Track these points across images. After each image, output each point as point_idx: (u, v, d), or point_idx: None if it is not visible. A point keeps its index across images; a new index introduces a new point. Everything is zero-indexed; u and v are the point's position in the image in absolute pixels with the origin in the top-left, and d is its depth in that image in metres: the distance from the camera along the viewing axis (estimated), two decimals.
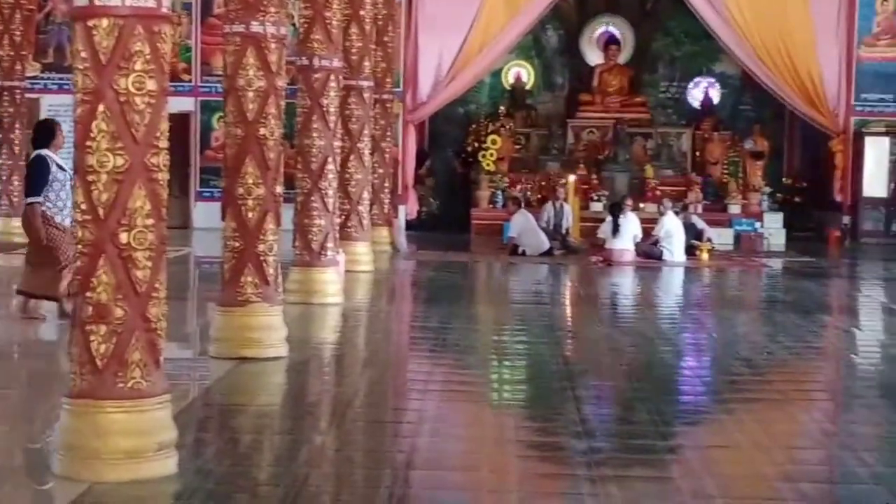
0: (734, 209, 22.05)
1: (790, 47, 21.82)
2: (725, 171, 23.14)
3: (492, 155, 22.73)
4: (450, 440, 6.90)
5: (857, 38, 22.34)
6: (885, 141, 22.36)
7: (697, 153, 23.77)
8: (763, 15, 21.71)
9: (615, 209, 18.24)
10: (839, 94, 22.19)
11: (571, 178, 21.25)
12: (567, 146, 23.77)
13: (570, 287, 15.90)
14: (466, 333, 11.06)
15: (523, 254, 18.26)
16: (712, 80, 25.05)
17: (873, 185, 22.40)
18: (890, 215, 22.39)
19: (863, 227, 22.36)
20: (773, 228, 21.51)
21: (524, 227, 18.59)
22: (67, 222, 9.84)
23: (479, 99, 25.14)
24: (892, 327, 12.42)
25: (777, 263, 18.67)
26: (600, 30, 25.05)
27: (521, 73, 25.11)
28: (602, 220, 18.72)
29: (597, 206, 21.53)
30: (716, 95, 24.94)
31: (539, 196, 21.93)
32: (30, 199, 10.37)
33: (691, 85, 25.16)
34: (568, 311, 13.74)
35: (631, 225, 17.94)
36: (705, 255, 18.19)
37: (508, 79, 25.08)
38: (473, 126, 24.00)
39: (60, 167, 10.23)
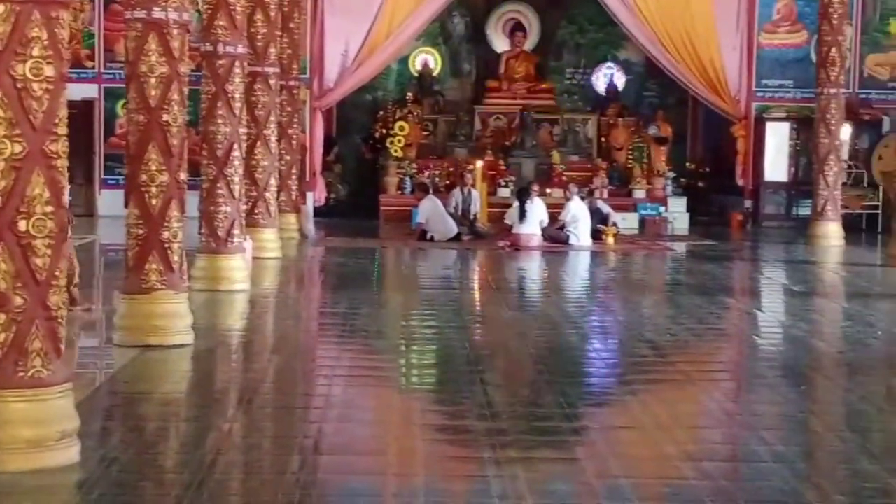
0: (639, 194, 22.29)
1: (692, 34, 22.11)
2: (630, 157, 23.40)
3: (399, 141, 22.74)
4: (357, 425, 6.91)
5: (758, 25, 22.71)
6: (786, 126, 22.76)
7: (603, 139, 24.00)
8: (666, 2, 21.96)
9: (522, 194, 18.36)
10: (740, 81, 22.52)
11: (479, 163, 21.35)
12: (474, 132, 23.86)
13: (478, 272, 15.99)
14: (375, 319, 11.07)
15: (431, 239, 18.31)
16: (617, 66, 25.29)
17: (774, 169, 22.79)
18: (790, 199, 22.80)
19: (764, 210, 22.75)
20: (677, 212, 21.79)
21: (432, 212, 18.64)
22: None
23: (386, 85, 25.13)
24: (793, 309, 12.64)
25: (681, 247, 18.92)
26: (506, 17, 25.18)
27: (429, 59, 25.14)
28: (509, 206, 18.84)
29: (504, 192, 21.67)
30: (620, 82, 25.18)
31: (447, 182, 21.99)
32: None
33: (596, 72, 25.38)
34: (476, 295, 13.80)
35: (538, 210, 18.07)
36: (611, 240, 18.39)
37: (416, 65, 25.10)
38: (381, 112, 24.00)
39: None
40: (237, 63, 12.34)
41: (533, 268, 16.01)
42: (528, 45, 24.85)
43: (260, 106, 15.16)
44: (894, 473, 5.98)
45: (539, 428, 6.81)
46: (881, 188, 21.56)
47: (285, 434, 6.72)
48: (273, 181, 15.68)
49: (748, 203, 22.73)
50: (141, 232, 9.02)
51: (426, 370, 9.09)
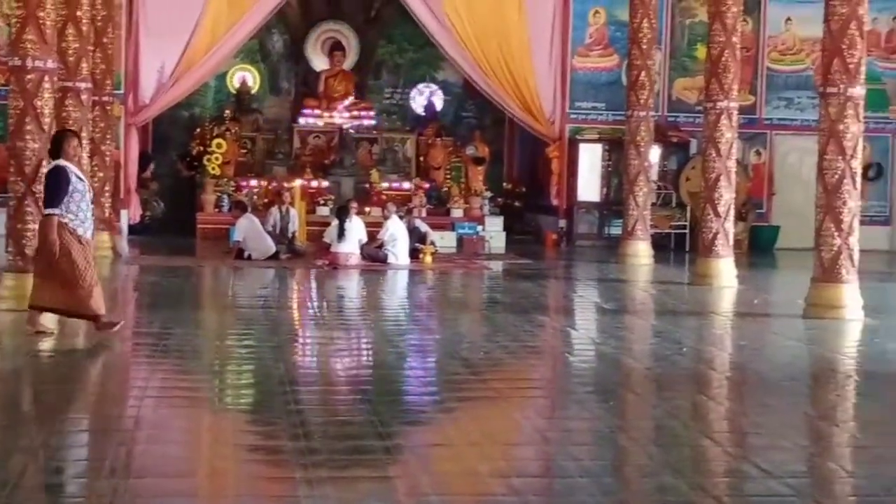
0: (457, 213, 22.55)
1: (508, 57, 22.51)
2: (448, 176, 23.67)
3: (217, 159, 22.55)
4: (168, 446, 6.81)
5: (571, 49, 23.22)
6: (598, 148, 23.33)
7: (421, 158, 24.20)
8: (482, 25, 22.32)
9: (341, 213, 18.38)
10: (555, 103, 23.00)
11: (297, 182, 21.29)
12: (293, 151, 23.80)
13: (296, 291, 15.92)
14: (189, 339, 10.91)
15: (249, 258, 18.18)
16: (435, 87, 25.55)
17: (587, 189, 23.33)
18: (602, 219, 23.35)
19: (578, 230, 23.25)
20: (494, 231, 22.08)
21: (250, 231, 18.52)
22: (89, 234, 10.06)
23: (204, 102, 24.92)
24: (604, 326, 12.92)
25: (497, 265, 19.17)
26: (325, 35, 25.20)
27: (247, 77, 25.02)
28: (328, 224, 18.84)
29: (323, 211, 21.67)
30: (439, 102, 25.46)
31: (265, 200, 21.88)
32: (48, 211, 10.03)
33: (415, 92, 25.61)
34: (293, 315, 13.74)
35: (356, 229, 18.11)
36: (429, 258, 18.52)
37: (234, 83, 24.95)
38: (198, 130, 23.78)
39: (79, 177, 10.05)
40: (47, 78, 12.06)
41: (351, 287, 16.02)
42: (347, 64, 24.94)
43: (71, 122, 14.80)
44: (697, 487, 6.16)
45: (352, 447, 6.82)
46: (689, 208, 22.25)
47: (93, 456, 6.58)
48: None
49: (562, 222, 23.21)
50: None
51: (240, 390, 9.01)
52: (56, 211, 9.97)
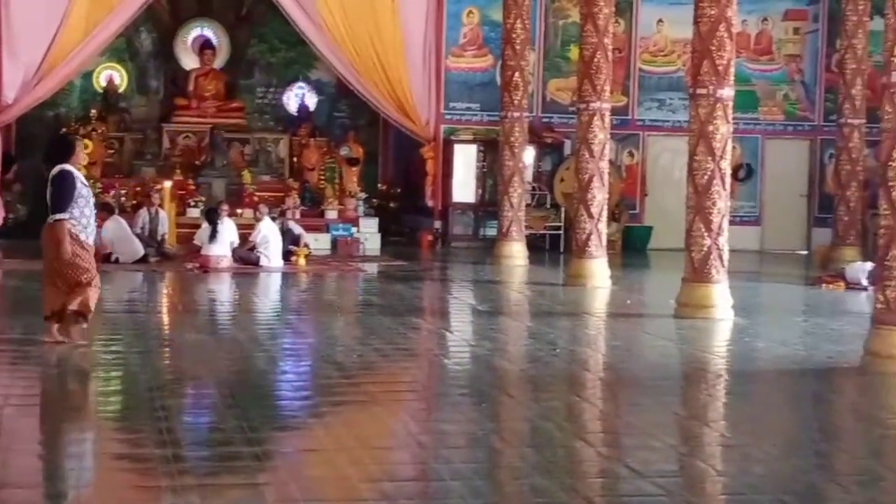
0: (331, 214, 22.38)
1: (381, 57, 22.41)
2: (322, 177, 23.48)
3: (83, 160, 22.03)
4: (28, 457, 6.59)
5: (445, 49, 23.22)
6: (473, 148, 23.36)
7: (294, 159, 23.98)
8: (355, 24, 22.20)
9: (212, 215, 18.10)
10: (429, 103, 22.96)
11: (167, 183, 20.94)
12: (163, 151, 23.41)
13: (166, 295, 15.63)
14: (52, 345, 10.58)
15: (116, 261, 17.79)
16: (308, 86, 25.34)
17: (462, 190, 23.35)
18: (478, 220, 23.39)
19: (453, 231, 23.25)
20: (369, 233, 21.97)
21: (117, 233, 18.14)
22: (91, 240, 9.85)
23: (69, 102, 24.38)
24: (479, 328, 12.89)
25: (372, 267, 19.05)
26: (195, 34, 24.85)
27: (114, 75, 24.53)
28: (199, 226, 18.54)
29: (194, 212, 21.32)
30: (312, 102, 25.25)
31: (133, 202, 21.46)
32: (58, 216, 9.73)
33: (287, 91, 25.36)
34: (162, 319, 13.46)
35: (228, 231, 17.85)
36: (302, 261, 18.34)
37: (100, 82, 24.45)
38: (64, 130, 23.20)
39: (83, 183, 9.88)
40: None
41: (222, 290, 15.78)
42: (218, 62, 24.60)
43: None
44: (568, 489, 6.16)
45: (220, 454, 6.68)
46: (563, 209, 22.38)
47: None
48: None
49: (438, 223, 23.18)
50: None
51: (107, 398, 8.77)
52: (65, 216, 9.84)
